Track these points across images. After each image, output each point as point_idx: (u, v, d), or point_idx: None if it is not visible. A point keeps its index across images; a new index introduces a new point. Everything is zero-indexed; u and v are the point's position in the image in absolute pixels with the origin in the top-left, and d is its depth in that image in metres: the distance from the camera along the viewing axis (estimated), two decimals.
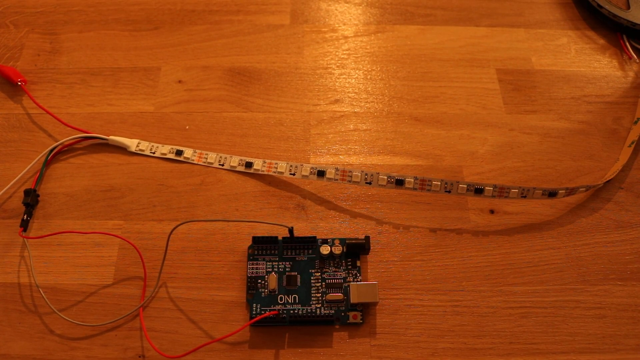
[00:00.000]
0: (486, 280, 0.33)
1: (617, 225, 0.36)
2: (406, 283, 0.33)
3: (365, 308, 0.32)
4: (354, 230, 0.35)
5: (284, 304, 0.31)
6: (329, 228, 0.35)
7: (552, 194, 0.35)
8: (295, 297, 0.32)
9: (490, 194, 0.35)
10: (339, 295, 0.32)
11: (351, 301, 0.31)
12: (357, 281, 0.32)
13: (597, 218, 0.36)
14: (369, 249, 0.33)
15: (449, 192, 0.35)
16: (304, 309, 0.31)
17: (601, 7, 0.45)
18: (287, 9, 0.46)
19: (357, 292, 0.31)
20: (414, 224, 0.36)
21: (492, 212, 0.36)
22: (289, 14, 0.46)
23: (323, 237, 0.34)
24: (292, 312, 0.31)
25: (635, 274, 0.34)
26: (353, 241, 0.33)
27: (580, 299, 0.33)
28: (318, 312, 0.31)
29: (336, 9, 0.46)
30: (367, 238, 0.32)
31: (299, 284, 0.32)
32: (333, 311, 0.31)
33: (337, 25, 0.45)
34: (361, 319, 0.31)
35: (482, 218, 0.36)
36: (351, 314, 0.31)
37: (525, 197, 0.35)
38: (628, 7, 0.45)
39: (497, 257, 0.34)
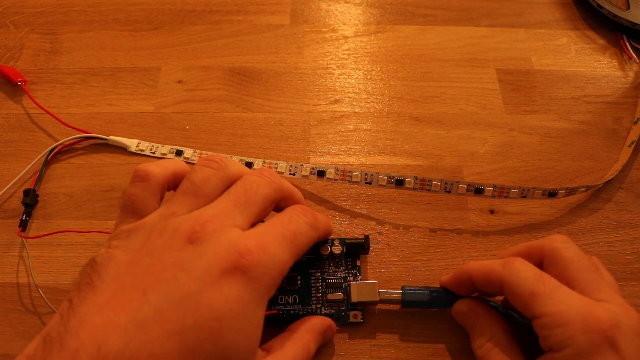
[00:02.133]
0: None
1: (617, 225, 0.36)
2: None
3: (366, 308, 0.32)
4: (354, 230, 0.35)
5: (284, 304, 0.31)
6: None
7: (552, 194, 0.35)
8: (295, 297, 0.32)
9: (490, 194, 0.35)
10: (339, 295, 0.32)
11: (352, 300, 0.31)
12: (357, 281, 0.32)
13: (597, 218, 0.36)
14: (369, 248, 0.33)
15: (449, 192, 0.35)
16: (304, 309, 0.31)
17: (601, 7, 0.45)
18: (287, 9, 0.46)
19: (358, 291, 0.31)
20: (414, 224, 0.36)
21: (492, 212, 0.36)
22: (289, 14, 0.46)
23: None
24: (292, 312, 0.31)
25: (635, 274, 0.34)
26: (352, 241, 0.33)
27: None
28: (318, 312, 0.31)
29: (336, 9, 0.46)
30: (367, 237, 0.32)
31: (299, 284, 0.32)
32: (333, 311, 0.31)
33: (337, 25, 0.45)
34: (362, 319, 0.31)
35: (482, 218, 0.36)
36: (351, 313, 0.31)
37: (525, 197, 0.35)
38: (628, 7, 0.45)
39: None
